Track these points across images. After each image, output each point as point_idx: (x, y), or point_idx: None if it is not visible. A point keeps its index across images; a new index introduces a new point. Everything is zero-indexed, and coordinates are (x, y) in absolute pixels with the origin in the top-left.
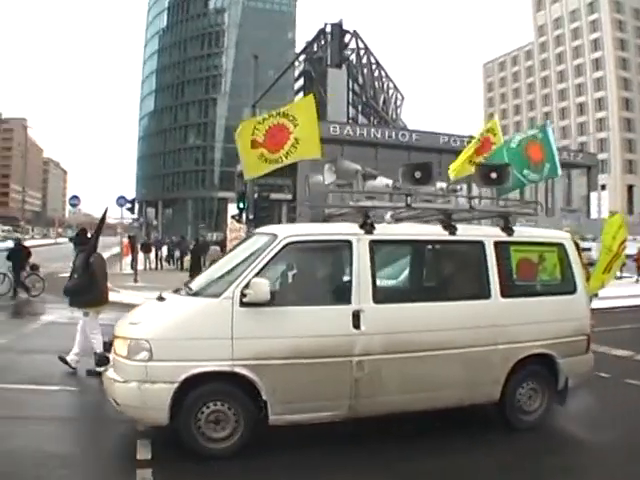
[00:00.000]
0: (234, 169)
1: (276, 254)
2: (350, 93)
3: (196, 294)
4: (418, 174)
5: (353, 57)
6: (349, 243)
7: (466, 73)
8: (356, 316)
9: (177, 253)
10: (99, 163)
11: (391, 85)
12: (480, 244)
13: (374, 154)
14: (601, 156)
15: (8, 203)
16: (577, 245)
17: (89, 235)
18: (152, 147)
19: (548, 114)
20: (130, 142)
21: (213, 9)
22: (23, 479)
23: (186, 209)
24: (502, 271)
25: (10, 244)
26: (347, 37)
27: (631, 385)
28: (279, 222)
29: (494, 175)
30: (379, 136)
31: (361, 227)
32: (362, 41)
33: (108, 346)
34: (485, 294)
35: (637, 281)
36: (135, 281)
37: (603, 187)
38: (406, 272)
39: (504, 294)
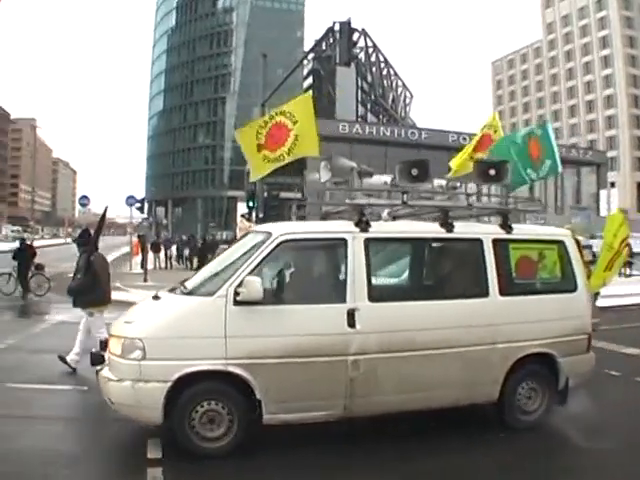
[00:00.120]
0: (244, 168)
1: (270, 252)
2: (359, 91)
3: (190, 293)
4: (415, 171)
5: (362, 55)
6: (344, 241)
7: (475, 71)
8: (351, 315)
9: (186, 252)
10: (108, 163)
11: (400, 83)
12: (478, 242)
13: (384, 152)
14: (610, 154)
15: (17, 203)
16: (578, 242)
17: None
18: (161, 146)
19: (557, 112)
20: (139, 141)
21: (221, 8)
22: (33, 478)
23: (196, 208)
24: (501, 269)
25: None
26: (356, 35)
27: None
28: (289, 220)
29: (492, 172)
30: (388, 134)
31: (356, 225)
32: (371, 39)
33: (104, 345)
34: (483, 292)
35: None
36: (145, 280)
37: (612, 185)
38: (402, 270)
39: (503, 292)
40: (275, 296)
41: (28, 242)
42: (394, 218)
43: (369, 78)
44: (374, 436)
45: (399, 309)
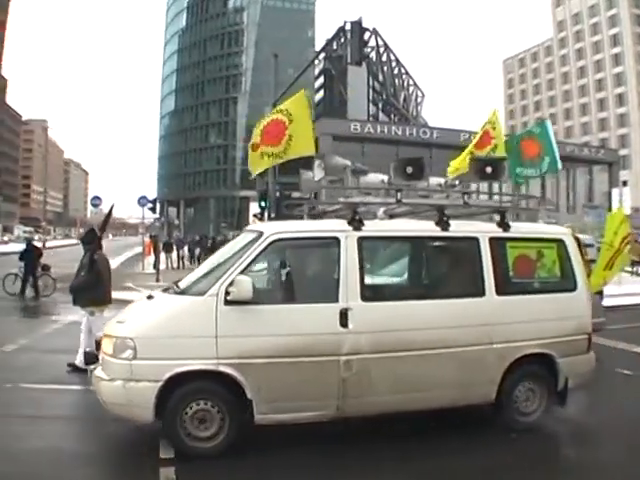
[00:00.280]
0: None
1: (261, 252)
2: (370, 91)
3: (182, 292)
4: (410, 169)
5: (373, 55)
6: (337, 240)
7: (486, 70)
8: (344, 314)
9: (197, 252)
10: (120, 163)
11: (411, 82)
12: (474, 240)
13: (395, 152)
14: (622, 152)
15: (29, 204)
16: (578, 241)
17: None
18: (173, 146)
19: (569, 110)
20: (151, 142)
21: (232, 8)
22: (46, 478)
23: (208, 208)
24: (497, 268)
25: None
26: (367, 35)
27: None
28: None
29: (489, 169)
30: (400, 133)
31: (349, 223)
32: (382, 38)
33: (99, 345)
34: (479, 292)
35: None
36: (157, 280)
37: (625, 183)
38: (396, 269)
39: (499, 292)
40: (267, 295)
41: (35, 243)
42: (391, 217)
43: (380, 77)
44: (370, 436)
45: (393, 309)
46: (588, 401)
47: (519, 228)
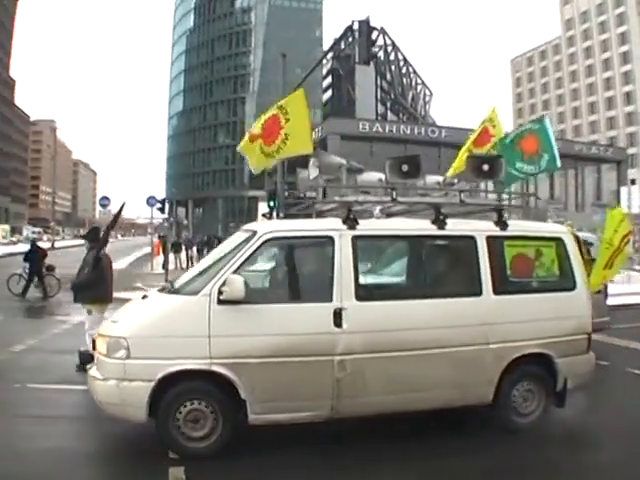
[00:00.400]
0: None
1: (255, 251)
2: (378, 90)
3: (176, 292)
4: (405, 167)
5: (381, 54)
6: (331, 239)
7: (494, 68)
8: (337, 314)
9: (206, 252)
10: (129, 163)
11: (419, 81)
12: (471, 239)
13: (404, 151)
14: (631, 150)
15: (38, 205)
16: (578, 239)
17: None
18: (182, 146)
19: (577, 109)
20: (159, 142)
21: (239, 8)
22: (55, 478)
23: (216, 208)
24: (495, 267)
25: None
26: (374, 34)
27: None
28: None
29: (486, 167)
30: (408, 132)
31: (344, 222)
32: (390, 38)
33: (95, 344)
34: (476, 291)
35: None
36: (166, 280)
37: (633, 182)
38: (391, 269)
39: (497, 291)
40: (260, 295)
41: (40, 244)
42: (389, 216)
43: (388, 77)
44: (370, 436)
45: (387, 308)
46: (597, 401)
47: (517, 226)
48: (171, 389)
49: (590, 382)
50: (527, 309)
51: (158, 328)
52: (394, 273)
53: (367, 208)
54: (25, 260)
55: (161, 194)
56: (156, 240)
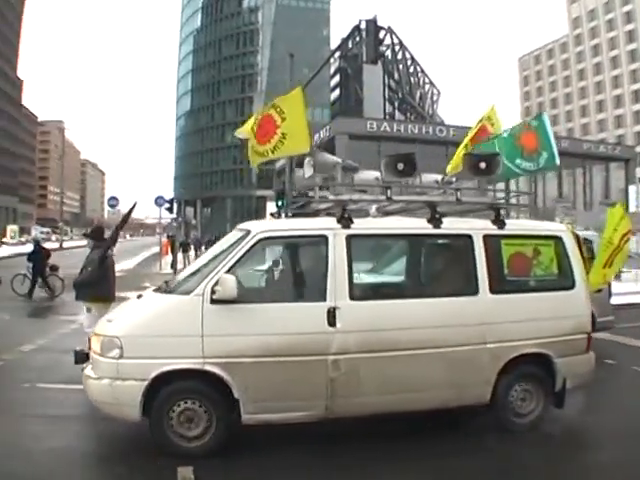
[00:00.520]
0: (272, 167)
1: (248, 250)
2: (386, 89)
3: (170, 291)
4: (401, 166)
5: (388, 53)
6: (325, 238)
7: (502, 67)
8: (331, 313)
9: None
10: (137, 164)
11: (427, 80)
12: (468, 238)
13: (412, 150)
14: (639, 149)
15: (47, 205)
16: (577, 238)
17: (105, 234)
18: (190, 146)
19: (585, 107)
20: (167, 142)
21: (247, 8)
22: (63, 477)
23: (225, 208)
24: (492, 266)
25: (48, 245)
26: (382, 33)
27: None
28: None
29: (483, 165)
30: (416, 132)
31: (338, 221)
32: (397, 37)
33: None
34: (472, 290)
35: None
36: None
37: None
38: (387, 268)
39: (493, 290)
40: (253, 294)
41: (46, 244)
42: (385, 215)
43: (396, 76)
44: (369, 436)
45: (382, 308)
46: (604, 400)
47: (515, 225)
48: (164, 388)
49: (590, 382)
50: (525, 308)
51: (151, 327)
52: (389, 272)
53: (363, 207)
54: (29, 260)
55: (169, 194)
56: (164, 240)
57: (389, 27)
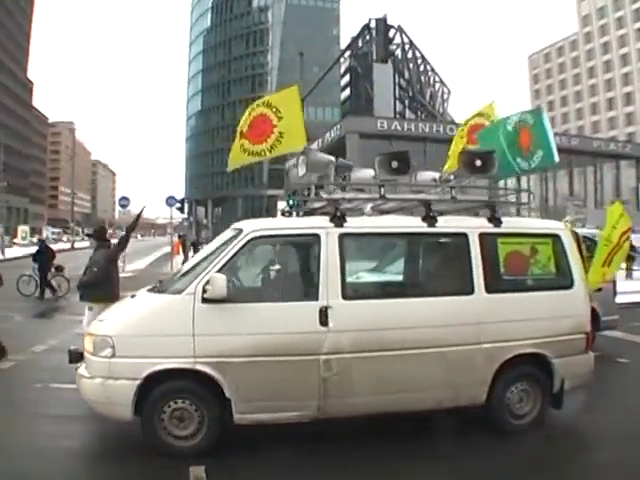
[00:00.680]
0: (283, 167)
1: (240, 249)
2: (396, 88)
3: (162, 291)
4: (395, 164)
5: (398, 52)
6: (317, 237)
7: (512, 65)
8: (323, 313)
9: None
10: (148, 164)
11: (437, 79)
12: (463, 236)
13: (422, 149)
14: None
15: (57, 205)
16: (577, 236)
17: (108, 235)
18: (200, 146)
19: (595, 105)
20: (178, 142)
21: (256, 7)
22: (76, 477)
23: (236, 207)
24: (487, 265)
25: (59, 246)
26: (392, 32)
27: None
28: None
29: (479, 162)
30: (427, 130)
31: (331, 220)
32: (407, 35)
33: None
34: (467, 289)
35: None
36: None
37: None
38: (380, 266)
39: (489, 289)
40: (245, 294)
41: (54, 244)
42: (381, 213)
43: (406, 75)
44: (369, 436)
45: (375, 307)
46: (611, 399)
47: (512, 223)
48: (156, 388)
49: (590, 383)
50: (521, 308)
51: (143, 327)
52: (383, 271)
53: (359, 206)
54: (34, 260)
55: (180, 194)
56: (176, 240)
57: (399, 26)
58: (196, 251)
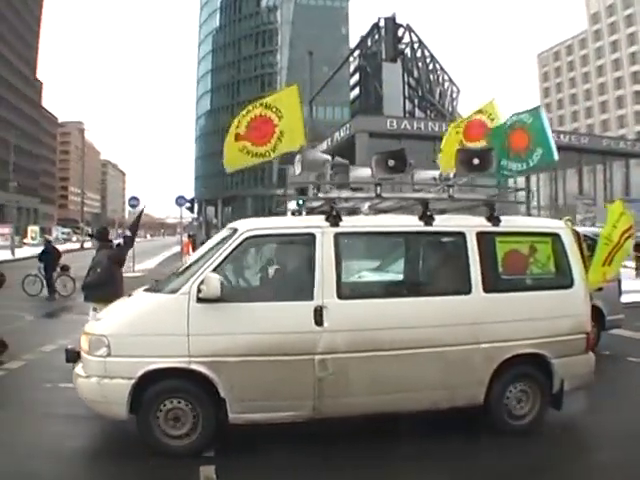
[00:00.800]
0: (292, 166)
1: (235, 249)
2: (406, 87)
3: (158, 290)
4: (392, 162)
5: (408, 51)
6: (312, 236)
7: (521, 63)
8: (318, 312)
9: None
10: (157, 164)
11: (446, 78)
12: (460, 235)
13: (432, 147)
14: None
15: (67, 205)
16: (577, 235)
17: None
18: (210, 146)
19: (605, 103)
20: (188, 142)
21: (265, 7)
22: (86, 477)
23: (245, 207)
24: (485, 264)
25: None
26: (401, 31)
27: None
28: None
29: (476, 161)
30: (437, 129)
31: (326, 219)
32: (416, 34)
33: None
34: (465, 289)
35: None
36: None
37: None
38: (376, 266)
39: (487, 289)
40: (240, 293)
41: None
42: (378, 212)
43: (415, 74)
44: (366, 436)
45: (370, 307)
46: (616, 399)
47: (510, 222)
48: (151, 387)
49: (590, 383)
50: (520, 308)
51: (138, 326)
52: (379, 270)
53: (356, 205)
54: (40, 260)
55: (190, 194)
56: (186, 239)
57: (408, 25)
58: None
